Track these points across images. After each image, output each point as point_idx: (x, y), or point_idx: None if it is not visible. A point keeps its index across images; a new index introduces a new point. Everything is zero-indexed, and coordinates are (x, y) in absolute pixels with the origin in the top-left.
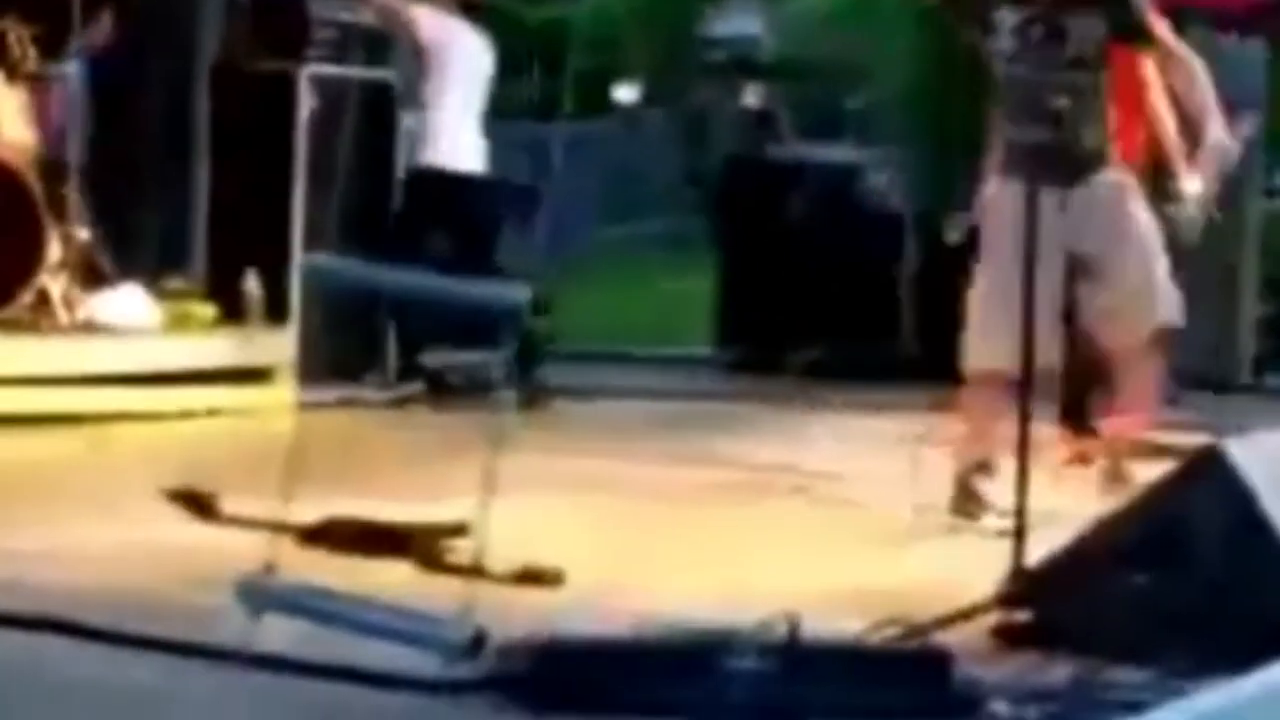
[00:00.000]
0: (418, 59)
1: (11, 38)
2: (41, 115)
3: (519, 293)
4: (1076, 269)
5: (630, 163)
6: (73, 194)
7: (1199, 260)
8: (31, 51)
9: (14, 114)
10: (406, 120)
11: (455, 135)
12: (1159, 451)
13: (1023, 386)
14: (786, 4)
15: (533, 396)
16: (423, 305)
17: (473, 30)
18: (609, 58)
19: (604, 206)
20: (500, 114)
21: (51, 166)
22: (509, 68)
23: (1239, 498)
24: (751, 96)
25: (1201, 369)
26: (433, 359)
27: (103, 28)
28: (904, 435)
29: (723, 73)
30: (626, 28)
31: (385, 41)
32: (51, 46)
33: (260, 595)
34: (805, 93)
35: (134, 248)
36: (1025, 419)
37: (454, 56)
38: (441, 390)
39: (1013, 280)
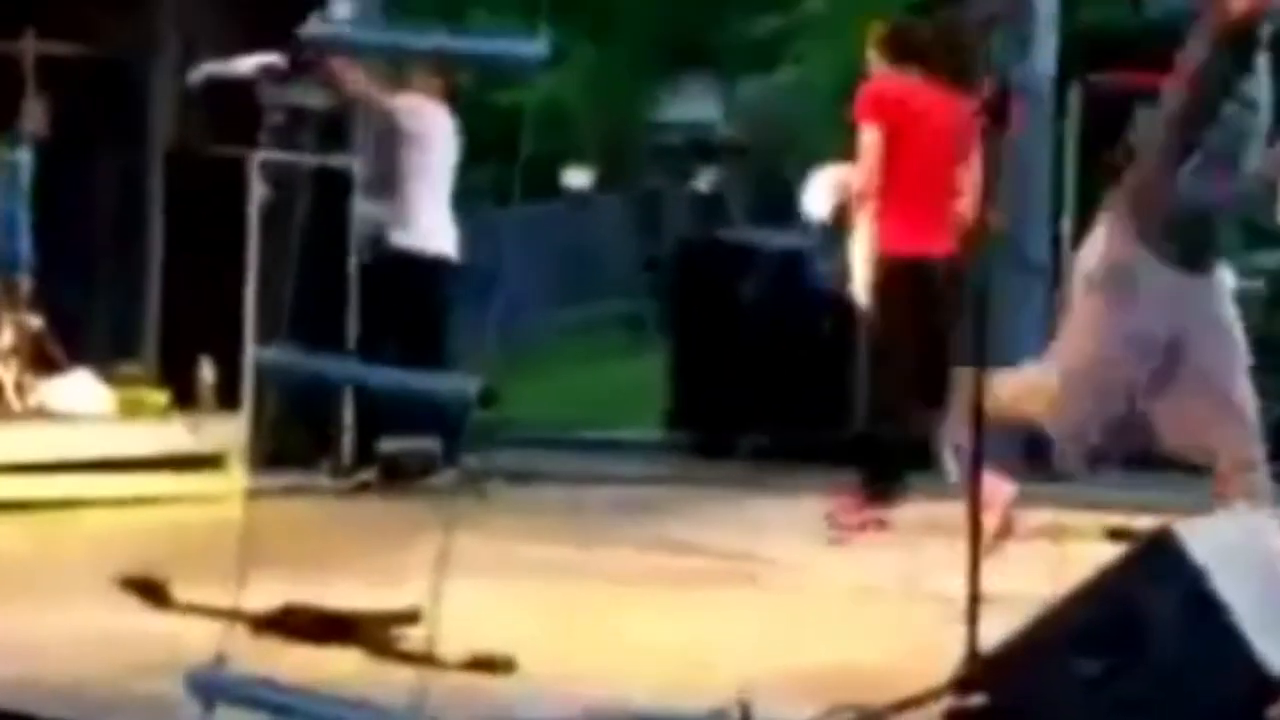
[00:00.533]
0: (392, 144)
1: None
2: None
3: (468, 384)
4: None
5: (582, 246)
6: (24, 280)
7: None
8: None
9: None
10: (362, 206)
11: (431, 218)
12: (1117, 535)
13: (975, 467)
14: (738, 88)
15: (477, 481)
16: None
17: (448, 115)
18: (560, 142)
19: (556, 289)
20: (454, 198)
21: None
22: (466, 152)
23: (1190, 579)
24: (703, 180)
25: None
26: (388, 444)
27: (35, 116)
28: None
29: (675, 156)
30: (578, 112)
31: (339, 126)
32: None
33: (212, 686)
34: (756, 176)
35: (85, 334)
36: (976, 500)
37: (433, 142)
38: (395, 476)
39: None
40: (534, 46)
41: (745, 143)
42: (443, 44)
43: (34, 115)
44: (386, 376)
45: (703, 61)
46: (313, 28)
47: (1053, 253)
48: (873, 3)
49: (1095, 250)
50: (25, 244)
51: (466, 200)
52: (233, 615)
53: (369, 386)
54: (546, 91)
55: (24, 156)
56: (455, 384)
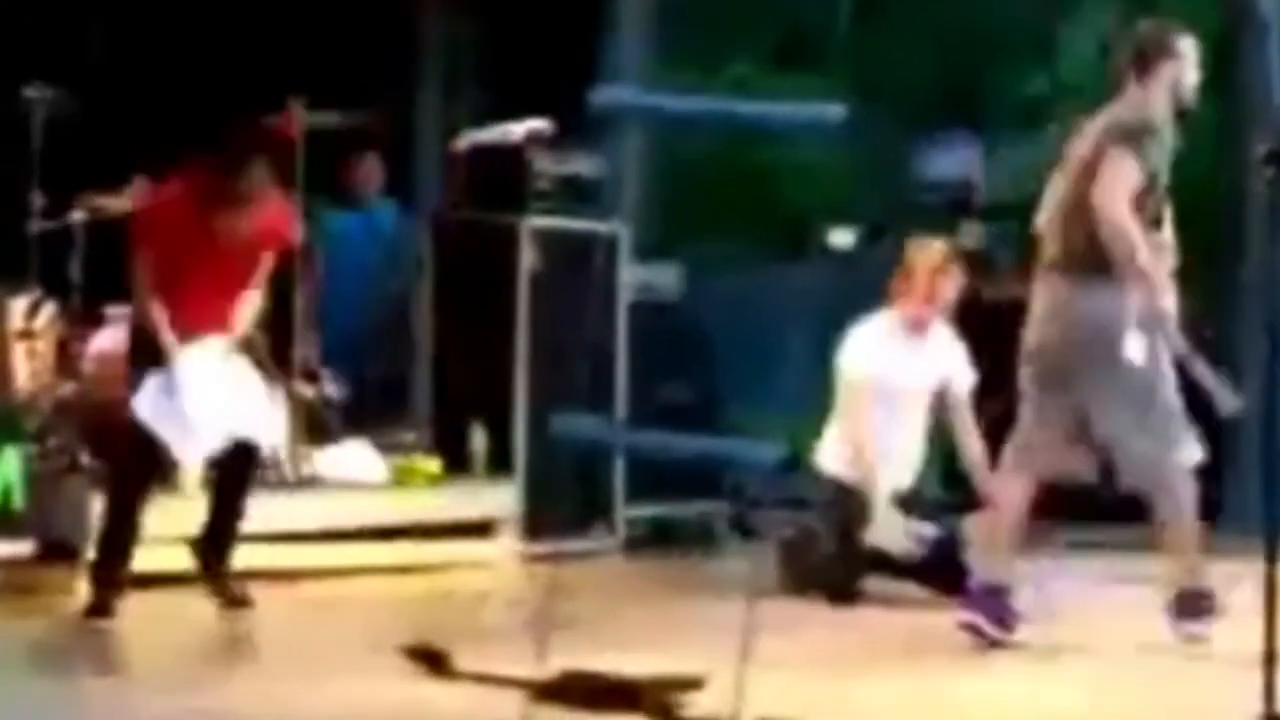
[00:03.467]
0: None
1: None
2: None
3: (773, 450)
4: None
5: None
6: (299, 349)
7: None
8: None
9: None
10: (630, 271)
11: None
12: None
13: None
14: (1001, 147)
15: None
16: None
17: None
18: (823, 200)
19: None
20: (718, 258)
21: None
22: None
23: None
24: (968, 237)
25: None
26: (658, 509)
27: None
28: None
29: (939, 214)
30: (841, 170)
31: (612, 190)
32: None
33: None
34: (1022, 233)
35: (360, 402)
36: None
37: None
38: (668, 540)
39: None
40: (829, 112)
41: (1011, 201)
42: (742, 110)
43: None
44: (690, 444)
45: (967, 120)
46: (604, 94)
47: None
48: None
49: None
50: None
51: (731, 260)
52: (516, 683)
53: (670, 455)
54: (807, 151)
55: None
56: (760, 450)
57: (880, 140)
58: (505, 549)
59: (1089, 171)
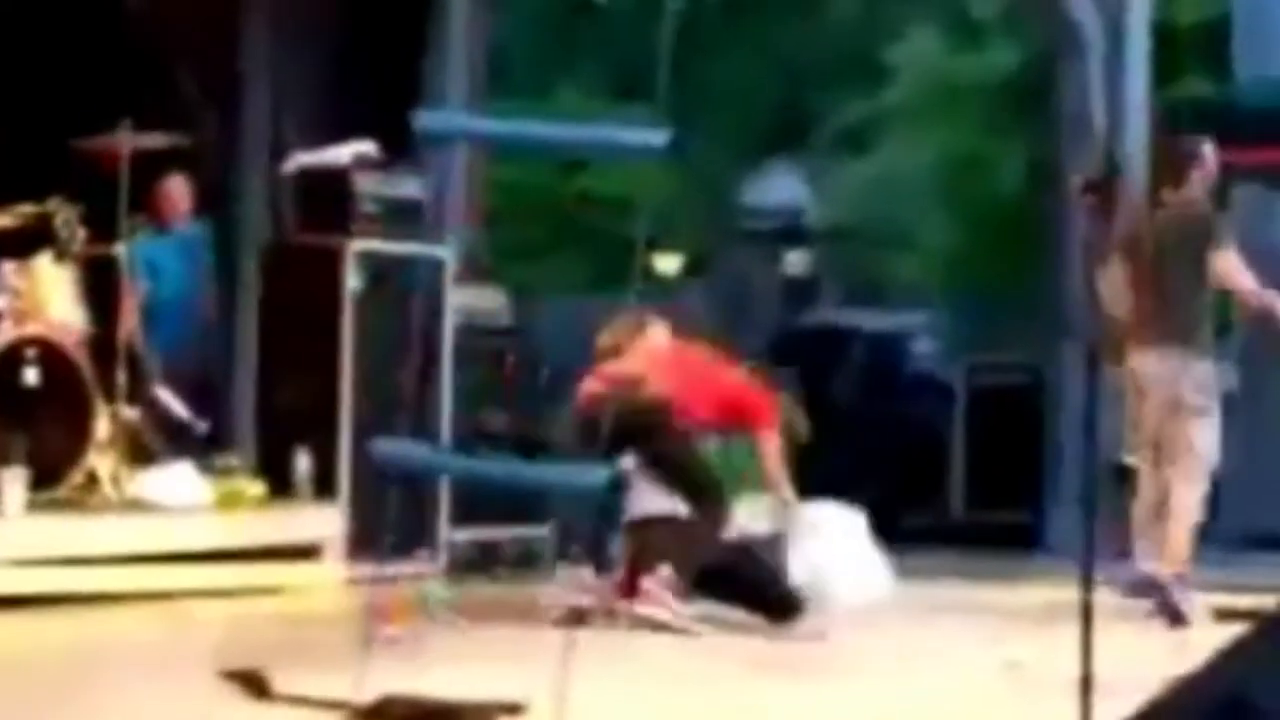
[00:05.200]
0: None
1: (59, 218)
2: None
3: (599, 474)
4: None
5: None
6: (120, 372)
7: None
8: (80, 232)
9: (63, 294)
10: (457, 295)
11: None
12: (1224, 615)
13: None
14: (827, 173)
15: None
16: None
17: None
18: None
19: None
20: (543, 285)
21: (100, 344)
22: (555, 238)
23: None
24: (794, 265)
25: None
26: (481, 532)
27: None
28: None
29: (764, 241)
30: (665, 196)
31: (437, 214)
32: (100, 226)
33: None
34: (847, 260)
35: (182, 425)
36: (1088, 579)
37: None
38: (491, 563)
39: None
40: (654, 137)
41: (835, 227)
42: (571, 135)
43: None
44: (514, 469)
45: (792, 147)
46: (428, 118)
47: None
48: (960, 87)
49: None
50: (122, 335)
51: (557, 285)
52: (336, 706)
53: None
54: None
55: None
56: (583, 474)
57: (707, 167)
58: (329, 572)
59: None
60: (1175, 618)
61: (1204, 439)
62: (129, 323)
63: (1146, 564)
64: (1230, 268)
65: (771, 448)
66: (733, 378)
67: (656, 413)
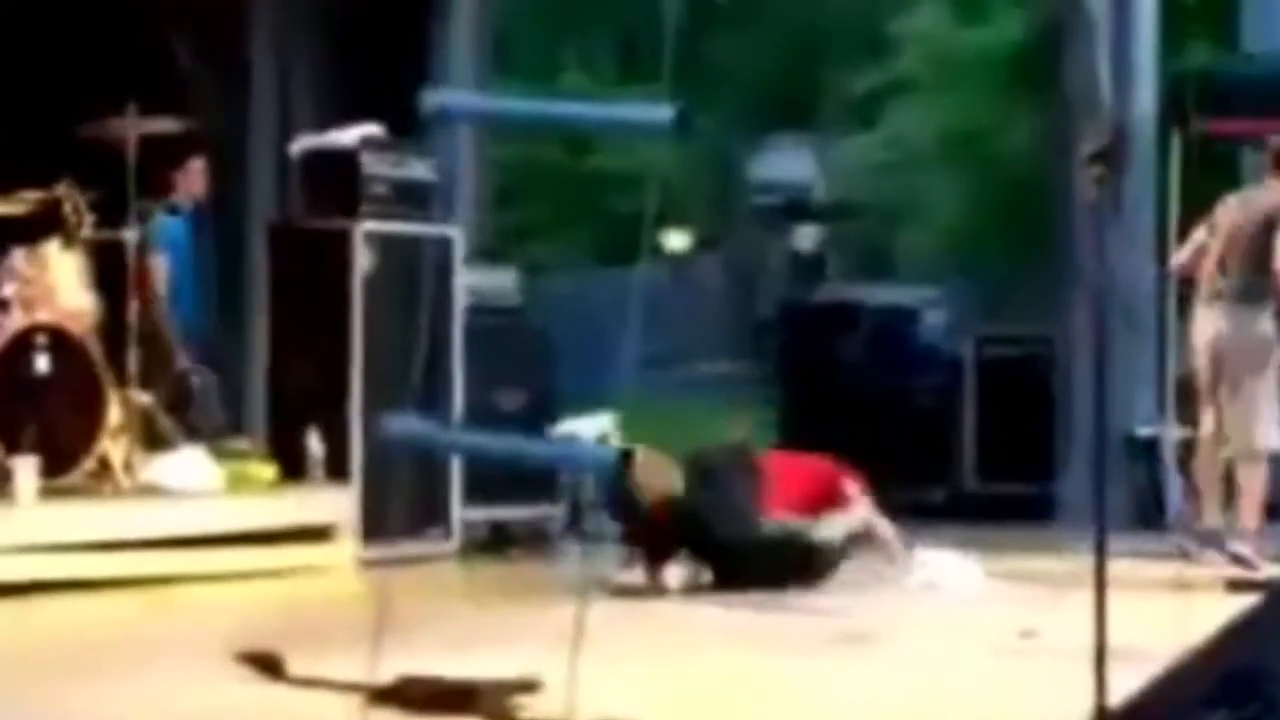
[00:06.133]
0: None
1: (67, 204)
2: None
3: (607, 453)
4: None
5: (684, 307)
6: (133, 357)
7: None
8: (88, 217)
9: (72, 280)
10: (466, 275)
11: None
12: (1237, 586)
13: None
14: (834, 148)
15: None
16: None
17: None
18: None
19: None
20: (553, 261)
21: (112, 330)
22: (561, 215)
23: None
24: (801, 240)
25: None
26: (494, 512)
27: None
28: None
29: (773, 216)
30: (675, 173)
31: (445, 194)
32: (108, 211)
33: None
34: (856, 235)
35: (195, 409)
36: (1102, 546)
37: None
38: (504, 543)
39: None
40: (660, 113)
41: (843, 202)
42: (578, 112)
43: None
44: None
45: (799, 122)
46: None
47: (1158, 309)
48: (965, 59)
49: None
50: (134, 319)
51: (567, 264)
52: (351, 688)
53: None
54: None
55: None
56: (594, 453)
57: (715, 144)
58: (342, 553)
59: None
60: (1245, 565)
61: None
62: (155, 296)
63: (1213, 518)
64: None
65: (861, 516)
66: (807, 470)
67: None
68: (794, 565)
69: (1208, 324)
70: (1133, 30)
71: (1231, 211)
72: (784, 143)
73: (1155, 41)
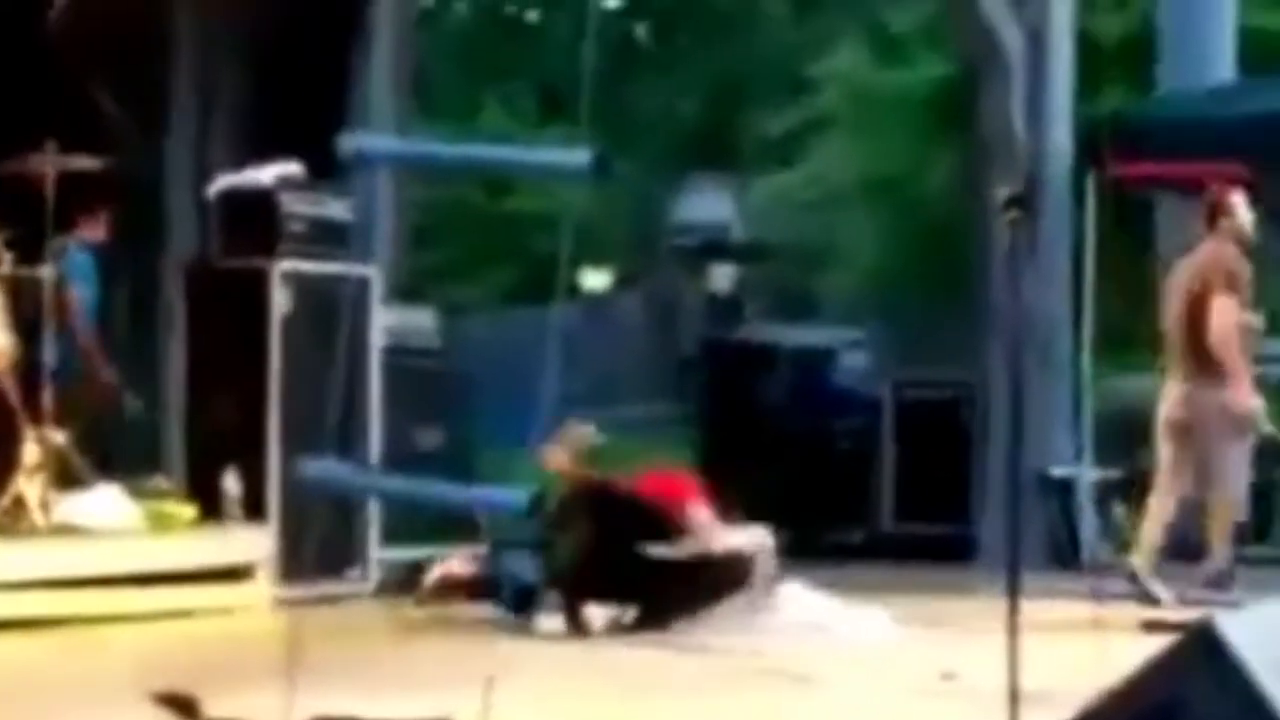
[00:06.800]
0: None
1: None
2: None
3: (521, 496)
4: None
5: (602, 348)
6: (47, 396)
7: None
8: (6, 255)
9: None
10: (384, 315)
11: None
12: (1153, 627)
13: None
14: (753, 188)
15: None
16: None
17: None
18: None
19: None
20: (471, 302)
21: (27, 369)
22: (481, 254)
23: (1233, 673)
24: (720, 280)
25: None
26: (412, 552)
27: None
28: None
29: (691, 257)
30: (593, 213)
31: (363, 234)
32: (24, 248)
33: None
34: (774, 276)
35: (111, 448)
36: (1015, 591)
37: None
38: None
39: None
40: (576, 157)
41: (761, 243)
42: (496, 156)
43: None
44: (439, 489)
45: (717, 161)
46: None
47: (1074, 351)
48: (884, 101)
49: None
50: (49, 358)
51: (485, 304)
52: None
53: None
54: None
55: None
56: (507, 495)
57: (635, 184)
58: (259, 593)
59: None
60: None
61: None
62: (77, 321)
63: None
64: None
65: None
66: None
67: None
68: (717, 581)
69: (1166, 397)
70: (1049, 73)
71: (1177, 275)
72: (703, 183)
73: (1071, 84)
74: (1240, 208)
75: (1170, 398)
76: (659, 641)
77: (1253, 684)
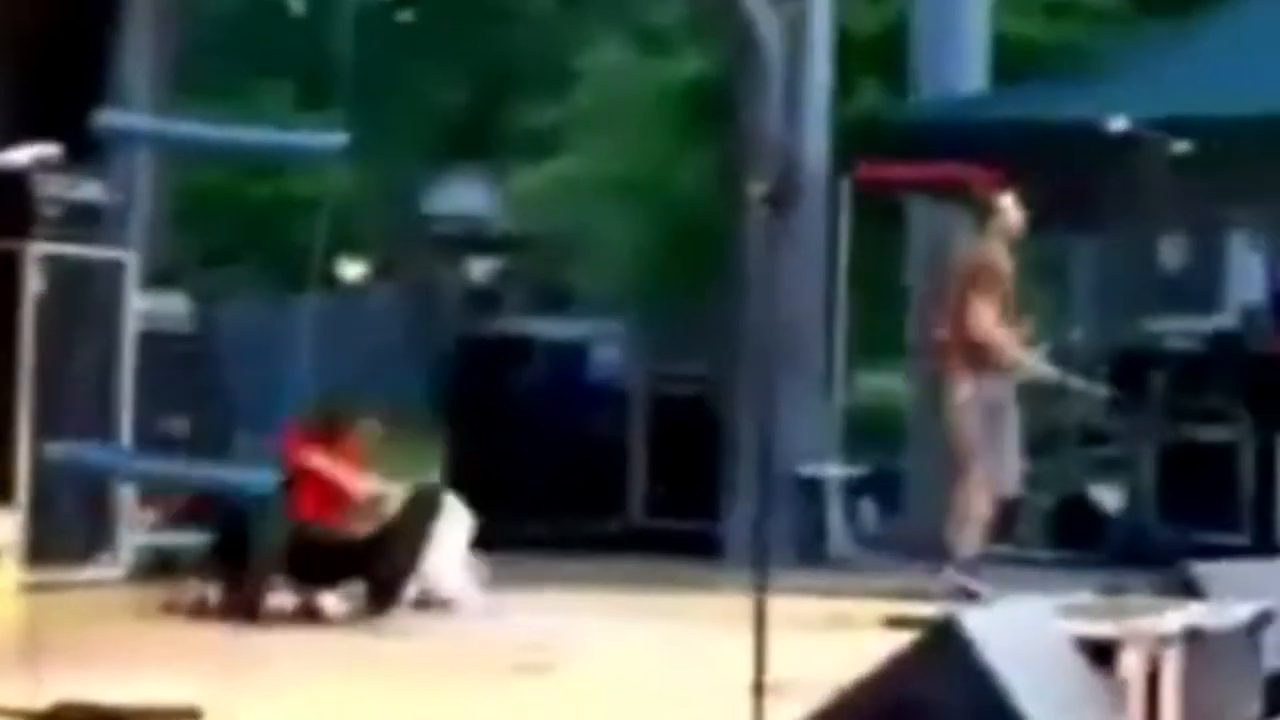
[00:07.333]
0: None
1: None
2: None
3: (266, 477)
4: None
5: (357, 338)
6: None
7: None
8: None
9: None
10: (140, 301)
11: None
12: (896, 623)
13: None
14: (514, 181)
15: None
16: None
17: None
18: (334, 233)
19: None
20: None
21: None
22: (229, 243)
23: (974, 668)
24: (478, 272)
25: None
26: (162, 536)
27: None
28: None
29: (449, 248)
30: (350, 201)
31: (121, 218)
32: None
33: None
34: (533, 268)
35: None
36: (763, 587)
37: None
38: (173, 568)
39: None
40: (331, 140)
41: (520, 235)
42: (240, 138)
43: None
44: (185, 472)
45: (478, 152)
46: (108, 118)
47: (825, 349)
48: (645, 95)
49: None
50: None
51: (240, 290)
52: (10, 713)
53: (166, 482)
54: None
55: None
56: (250, 478)
57: (394, 173)
58: (4, 578)
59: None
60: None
61: None
62: None
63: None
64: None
65: None
66: None
67: None
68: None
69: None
70: (807, 70)
71: (951, 274)
72: (464, 174)
73: (829, 83)
74: (1010, 208)
75: (956, 392)
76: (394, 628)
77: (992, 678)
